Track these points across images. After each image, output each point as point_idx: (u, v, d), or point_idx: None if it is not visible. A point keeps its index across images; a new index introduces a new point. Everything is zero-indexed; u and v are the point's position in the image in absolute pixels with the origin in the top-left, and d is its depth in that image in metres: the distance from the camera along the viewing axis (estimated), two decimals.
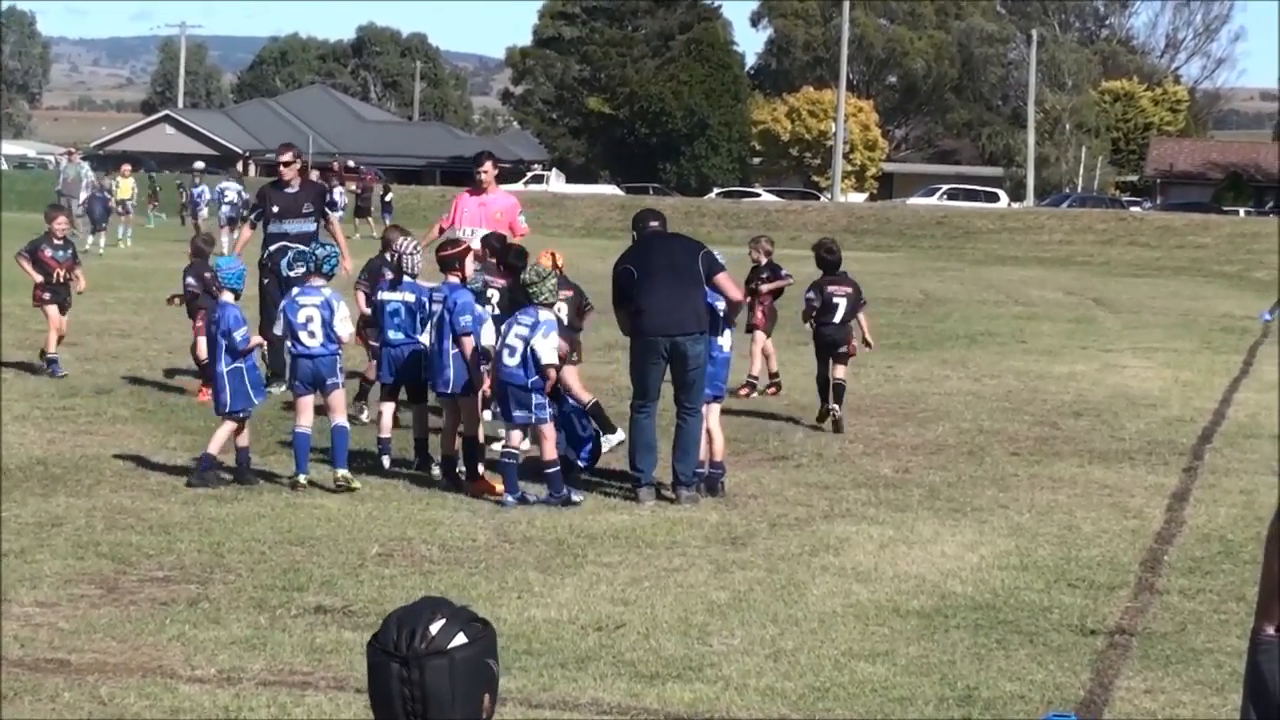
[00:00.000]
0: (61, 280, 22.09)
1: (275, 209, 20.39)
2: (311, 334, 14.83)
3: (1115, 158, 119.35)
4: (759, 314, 22.02)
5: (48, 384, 20.69)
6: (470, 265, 15.71)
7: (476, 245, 18.73)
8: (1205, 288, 47.80)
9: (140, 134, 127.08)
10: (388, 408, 16.29)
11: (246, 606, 11.02)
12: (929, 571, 12.51)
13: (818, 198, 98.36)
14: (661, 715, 9.20)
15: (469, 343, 14.94)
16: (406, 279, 16.06)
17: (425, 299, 15.70)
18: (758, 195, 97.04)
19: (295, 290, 15.21)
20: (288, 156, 20.65)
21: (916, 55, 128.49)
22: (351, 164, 62.31)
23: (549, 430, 14.57)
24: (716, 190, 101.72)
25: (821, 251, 20.21)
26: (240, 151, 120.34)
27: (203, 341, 17.01)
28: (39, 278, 21.95)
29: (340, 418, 14.89)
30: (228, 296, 15.27)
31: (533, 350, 14.36)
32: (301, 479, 14.74)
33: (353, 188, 63.06)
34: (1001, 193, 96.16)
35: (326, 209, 20.88)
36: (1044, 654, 10.48)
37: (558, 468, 14.57)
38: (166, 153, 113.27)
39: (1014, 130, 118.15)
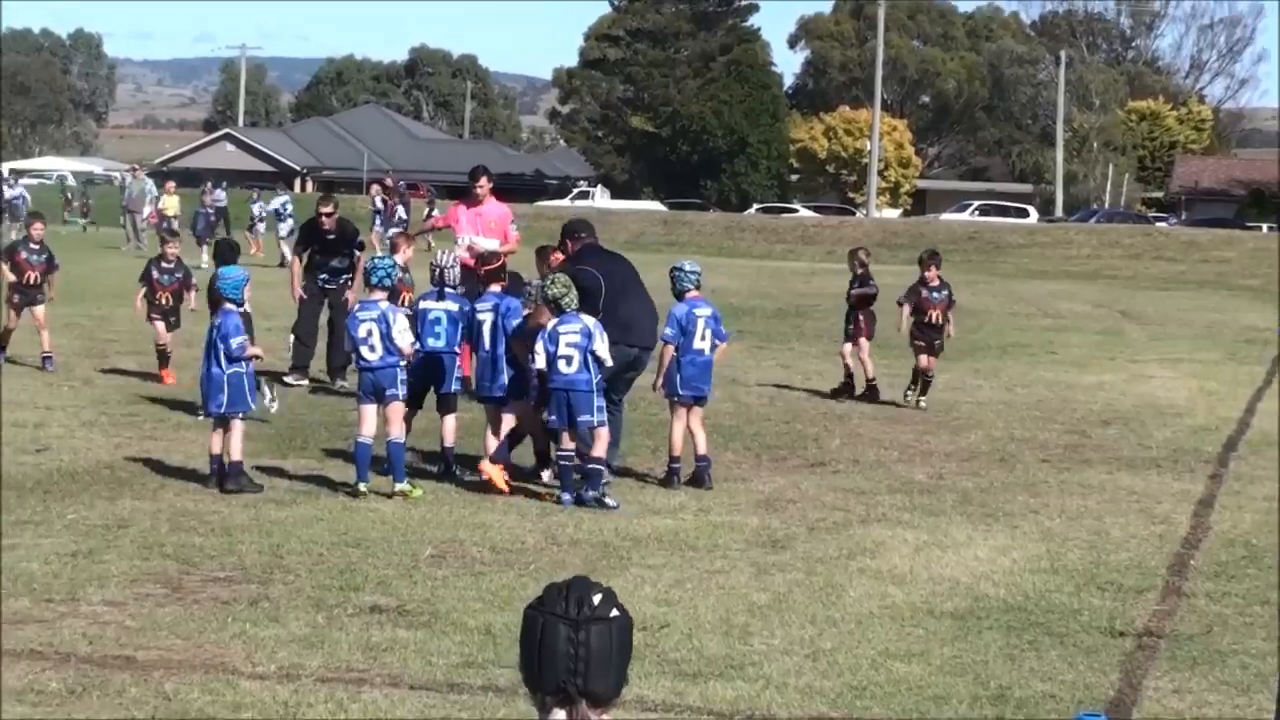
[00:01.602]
0: (32, 282, 22.81)
1: (317, 247, 22.29)
2: (371, 347, 14.98)
3: (1141, 175, 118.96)
4: (861, 322, 22.71)
5: (115, 392, 20.96)
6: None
7: (463, 253, 19.91)
8: (1229, 301, 47.60)
9: (202, 151, 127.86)
10: (406, 412, 16.50)
11: (305, 606, 11.17)
12: (962, 574, 12.65)
13: (853, 213, 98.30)
14: (704, 713, 9.30)
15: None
16: (449, 290, 16.40)
17: (468, 310, 16.06)
18: (795, 211, 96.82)
19: (356, 306, 15.49)
20: (329, 208, 22.33)
21: (949, 76, 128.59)
22: (390, 182, 62.39)
23: (604, 432, 14.95)
24: (756, 206, 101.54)
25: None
26: (298, 168, 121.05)
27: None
28: (12, 277, 22.80)
29: (396, 431, 15.02)
30: (228, 305, 15.47)
31: (593, 353, 14.84)
32: (363, 487, 14.87)
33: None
34: (1031, 209, 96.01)
35: (355, 249, 22.58)
36: (1074, 655, 10.60)
37: (603, 466, 14.94)
38: (227, 169, 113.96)
39: (1043, 148, 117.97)
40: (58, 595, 11.32)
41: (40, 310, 22.73)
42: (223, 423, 15.22)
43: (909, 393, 22.17)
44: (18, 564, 12.09)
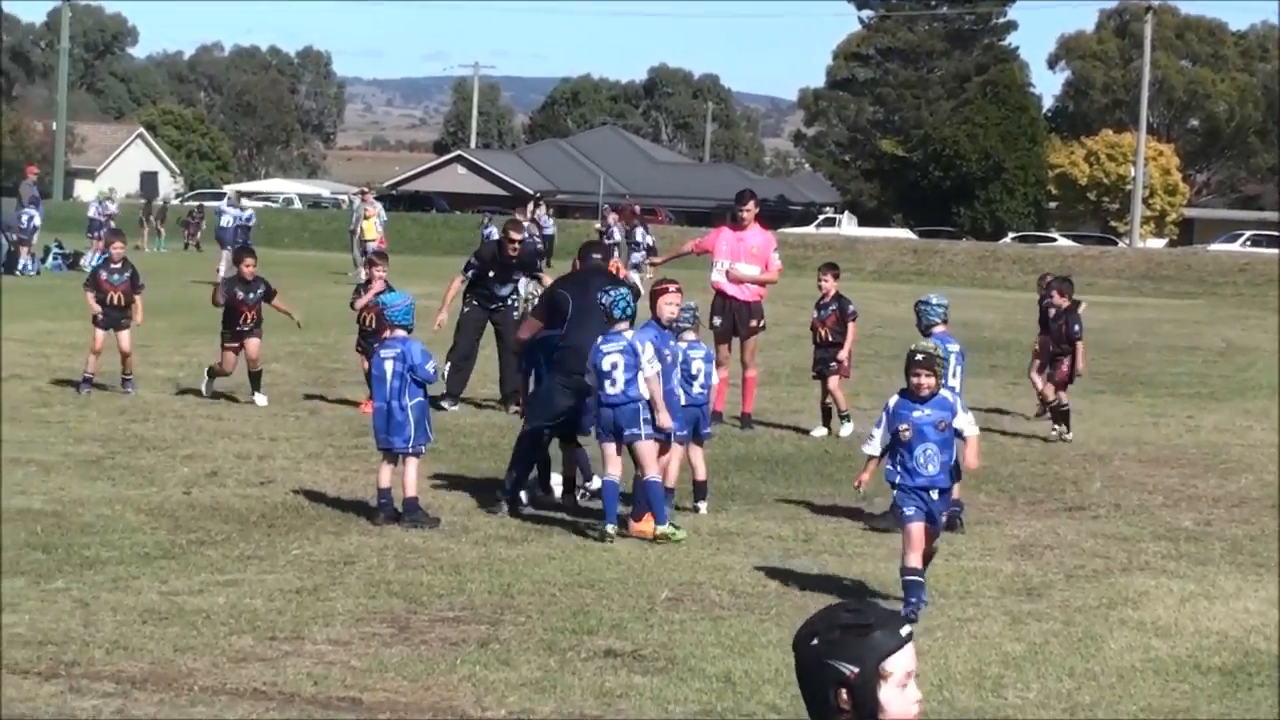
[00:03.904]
0: (116, 304, 22.59)
1: (491, 273, 22.13)
2: (613, 381, 14.52)
3: None
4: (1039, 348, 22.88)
5: (341, 423, 20.86)
6: (669, 307, 15.38)
7: (720, 278, 20.95)
8: None
9: (432, 174, 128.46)
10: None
11: (536, 648, 10.98)
12: (1231, 628, 12.17)
13: (1115, 243, 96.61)
14: None
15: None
16: None
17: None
18: (1054, 240, 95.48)
19: (600, 338, 14.85)
20: (520, 235, 22.37)
21: (1219, 98, 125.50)
22: (636, 209, 62.45)
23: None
24: (1011, 235, 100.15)
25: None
26: (531, 192, 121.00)
27: None
28: (98, 308, 22.52)
29: (650, 472, 14.47)
30: (400, 333, 15.16)
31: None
32: (610, 529, 14.41)
33: (597, 226, 63.21)
34: None
35: (532, 276, 23.01)
36: None
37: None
38: (458, 193, 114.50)
39: None
40: (282, 633, 11.24)
41: (126, 335, 22.51)
42: (393, 456, 15.00)
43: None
44: (241, 600, 12.05)
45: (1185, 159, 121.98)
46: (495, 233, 53.35)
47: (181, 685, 9.99)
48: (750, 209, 21.12)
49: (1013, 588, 13.23)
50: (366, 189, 59.15)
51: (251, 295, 22.25)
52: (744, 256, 21.15)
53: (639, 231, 52.62)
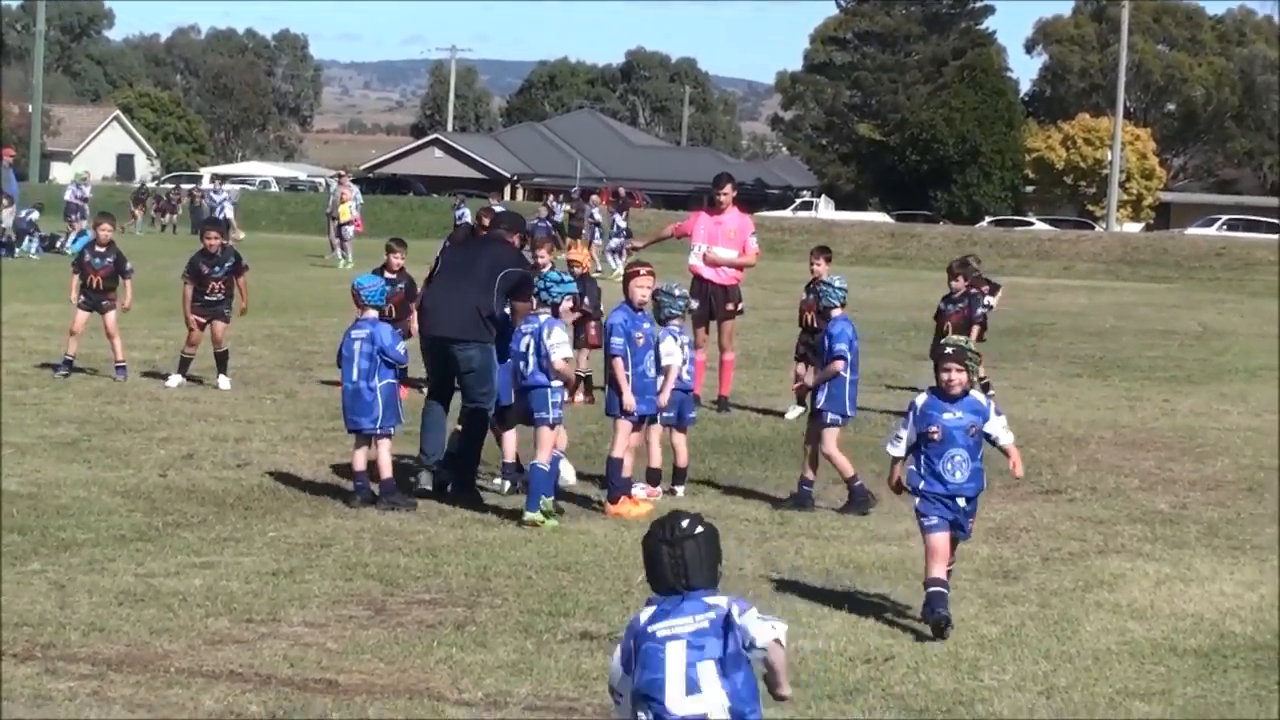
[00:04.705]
0: (97, 287, 22.41)
1: None
2: (527, 363, 14.50)
3: None
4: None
5: (318, 406, 20.78)
6: (641, 290, 15.37)
7: (697, 262, 21.01)
8: None
9: (409, 157, 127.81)
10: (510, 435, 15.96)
11: (513, 631, 10.98)
12: (1207, 610, 12.17)
13: (1092, 227, 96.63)
14: None
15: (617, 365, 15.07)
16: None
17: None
18: (1031, 224, 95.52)
19: (522, 321, 14.89)
20: (486, 222, 21.70)
21: (1196, 82, 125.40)
22: (621, 191, 62.34)
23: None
24: (988, 219, 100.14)
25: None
26: (508, 175, 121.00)
27: None
28: (75, 292, 22.42)
29: (541, 456, 14.33)
30: (372, 314, 15.15)
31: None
32: (542, 515, 14.30)
33: (568, 208, 63.10)
34: None
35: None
36: None
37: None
38: (435, 176, 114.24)
39: None
40: (258, 615, 11.23)
41: (110, 317, 22.32)
42: (366, 439, 14.97)
43: None
44: (218, 583, 12.03)
45: (1162, 143, 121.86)
46: (468, 215, 53.30)
47: (158, 667, 9.98)
48: (727, 192, 21.19)
49: (989, 570, 13.22)
50: (343, 172, 58.95)
51: (218, 269, 22.07)
52: (721, 240, 21.23)
53: (615, 217, 52.66)
